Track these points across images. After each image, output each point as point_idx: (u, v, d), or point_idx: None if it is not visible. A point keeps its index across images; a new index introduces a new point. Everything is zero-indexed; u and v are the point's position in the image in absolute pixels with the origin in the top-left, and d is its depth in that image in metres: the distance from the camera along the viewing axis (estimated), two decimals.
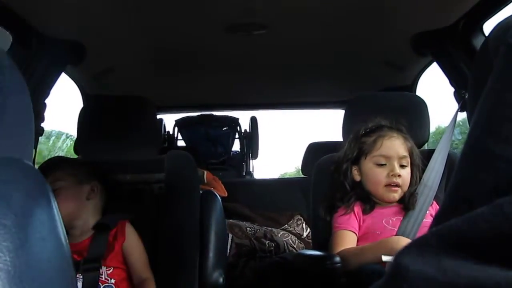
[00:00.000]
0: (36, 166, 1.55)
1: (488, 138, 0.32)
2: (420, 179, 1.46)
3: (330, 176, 1.56)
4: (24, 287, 0.37)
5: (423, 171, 1.52)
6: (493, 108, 0.33)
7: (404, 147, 1.44)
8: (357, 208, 1.44)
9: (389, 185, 1.41)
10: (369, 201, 1.44)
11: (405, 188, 1.43)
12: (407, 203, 1.41)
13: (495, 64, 0.36)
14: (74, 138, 1.79)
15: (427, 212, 1.41)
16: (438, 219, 0.34)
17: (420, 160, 1.49)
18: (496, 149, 0.31)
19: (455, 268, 0.26)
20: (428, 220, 1.40)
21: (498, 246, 0.25)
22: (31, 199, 0.43)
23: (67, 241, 0.47)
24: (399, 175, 1.41)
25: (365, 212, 1.43)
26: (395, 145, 1.43)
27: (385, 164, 1.42)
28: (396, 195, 1.42)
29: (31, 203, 0.43)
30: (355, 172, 1.49)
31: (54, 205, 0.47)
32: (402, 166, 1.43)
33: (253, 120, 3.65)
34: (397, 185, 1.41)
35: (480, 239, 0.26)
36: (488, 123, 0.32)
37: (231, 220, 2.48)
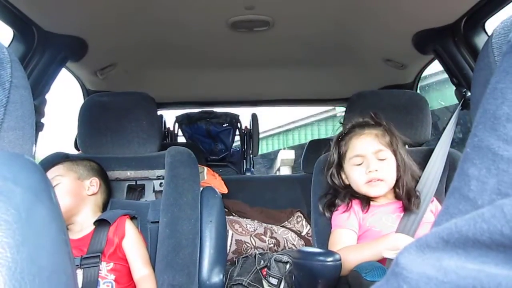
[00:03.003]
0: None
1: (491, 137, 0.32)
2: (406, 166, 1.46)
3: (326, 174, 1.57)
4: (25, 283, 0.37)
5: (423, 168, 1.52)
6: (496, 107, 0.33)
7: (377, 141, 1.44)
8: (357, 207, 1.44)
9: (369, 182, 1.41)
10: (364, 199, 1.45)
11: (391, 180, 1.43)
12: (407, 204, 1.41)
13: (498, 63, 0.36)
14: None
15: (427, 209, 1.41)
16: (439, 219, 0.34)
17: (404, 149, 1.48)
18: (498, 149, 0.31)
19: (456, 269, 0.26)
20: (428, 216, 1.40)
21: (498, 246, 0.25)
22: (32, 194, 0.43)
23: (68, 236, 0.47)
24: (376, 170, 1.40)
25: (363, 210, 1.43)
26: (366, 142, 1.44)
27: (362, 163, 1.43)
28: (379, 189, 1.42)
29: (32, 198, 0.43)
30: (343, 176, 1.50)
31: (55, 200, 0.47)
32: (381, 160, 1.42)
33: (254, 117, 3.66)
34: (378, 180, 1.41)
35: (480, 240, 0.26)
36: (491, 123, 0.32)
37: (231, 217, 2.49)
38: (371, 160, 1.41)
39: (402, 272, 0.28)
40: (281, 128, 9.80)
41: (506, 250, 0.25)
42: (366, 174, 1.41)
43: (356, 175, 1.43)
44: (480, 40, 1.65)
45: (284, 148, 9.28)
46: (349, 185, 1.48)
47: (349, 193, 1.46)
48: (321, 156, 1.66)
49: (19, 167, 0.45)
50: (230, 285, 2.11)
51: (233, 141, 3.70)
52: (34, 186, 0.45)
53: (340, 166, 1.50)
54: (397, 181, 1.44)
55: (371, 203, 1.44)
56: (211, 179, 2.48)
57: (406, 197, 1.42)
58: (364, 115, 1.53)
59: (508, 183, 0.29)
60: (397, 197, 1.46)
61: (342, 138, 1.51)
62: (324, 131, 8.55)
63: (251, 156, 3.82)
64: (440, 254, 0.27)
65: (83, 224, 1.40)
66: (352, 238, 1.40)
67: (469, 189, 0.31)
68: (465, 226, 0.27)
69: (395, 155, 1.44)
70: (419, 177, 1.50)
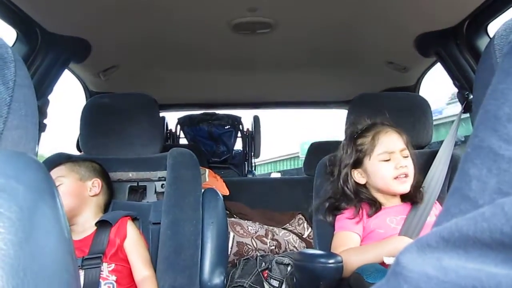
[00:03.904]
0: None
1: (492, 138, 0.32)
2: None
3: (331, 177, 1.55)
4: (27, 281, 0.37)
5: (426, 171, 1.52)
6: (497, 108, 0.33)
7: (401, 140, 1.45)
8: (364, 212, 1.43)
9: (397, 178, 1.41)
10: (374, 203, 1.43)
11: (412, 178, 1.43)
12: (414, 197, 1.43)
13: (499, 64, 0.36)
14: None
15: (431, 211, 1.41)
16: (440, 219, 0.34)
17: (414, 153, 1.49)
18: (499, 149, 0.31)
19: (456, 268, 0.26)
20: (431, 219, 1.40)
21: (498, 246, 0.25)
22: (36, 192, 0.44)
23: (71, 235, 0.48)
24: (406, 166, 1.41)
25: (370, 214, 1.42)
26: (394, 139, 1.44)
27: (389, 159, 1.42)
28: (407, 185, 1.42)
29: (35, 196, 0.43)
30: (358, 175, 1.47)
31: (58, 198, 0.47)
32: (404, 158, 1.43)
33: (256, 119, 3.66)
34: (406, 176, 1.41)
35: (480, 239, 0.26)
36: (492, 123, 0.32)
37: (232, 219, 2.48)
38: (399, 157, 1.42)
39: (403, 271, 0.28)
40: (273, 159, 15.90)
41: (506, 249, 0.25)
42: (395, 169, 1.40)
43: (384, 170, 1.41)
44: (483, 43, 1.64)
45: (274, 171, 14.41)
46: (363, 185, 1.47)
47: (360, 199, 1.45)
48: (323, 159, 1.65)
49: (22, 165, 0.45)
50: (231, 287, 2.11)
51: (235, 143, 3.70)
52: (37, 184, 0.45)
53: (354, 165, 1.48)
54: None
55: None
56: (213, 181, 2.48)
57: (414, 192, 1.43)
58: (371, 118, 1.52)
59: (509, 182, 0.29)
60: (404, 199, 1.45)
61: (360, 136, 1.48)
62: (289, 165, 15.34)
63: (252, 158, 3.81)
64: (440, 254, 0.27)
65: (85, 225, 1.40)
66: (356, 241, 1.39)
67: (470, 189, 0.31)
68: (466, 225, 0.27)
69: (411, 156, 1.46)
70: (421, 181, 1.50)
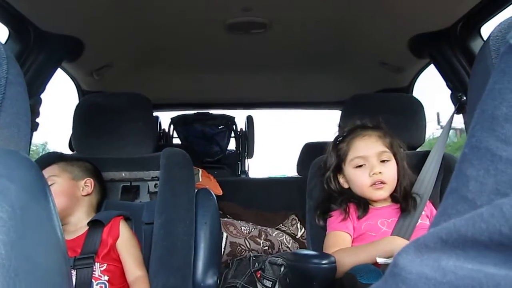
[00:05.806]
0: None
1: (489, 138, 0.31)
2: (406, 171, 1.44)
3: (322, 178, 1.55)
4: (19, 281, 0.37)
5: (418, 171, 1.52)
6: (494, 107, 0.33)
7: (380, 143, 1.41)
8: (352, 212, 1.42)
9: (373, 185, 1.38)
10: (362, 204, 1.42)
11: (393, 183, 1.40)
12: (404, 205, 1.40)
13: (496, 65, 0.36)
14: None
15: (423, 213, 1.41)
16: (437, 219, 0.33)
17: (402, 153, 1.46)
18: (497, 150, 0.31)
19: (454, 269, 0.26)
20: (423, 221, 1.40)
21: (497, 246, 0.25)
22: (28, 191, 0.43)
23: (63, 234, 0.47)
24: (380, 172, 1.38)
25: (359, 216, 1.41)
26: (369, 143, 1.41)
27: (364, 165, 1.40)
28: (383, 192, 1.39)
29: (27, 195, 0.43)
30: (342, 180, 1.47)
31: (51, 198, 0.47)
32: (383, 162, 1.40)
33: (249, 119, 3.65)
34: (382, 182, 1.38)
35: (479, 239, 0.26)
36: (489, 123, 0.32)
37: (225, 219, 2.48)
38: (374, 162, 1.38)
39: (401, 273, 0.28)
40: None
41: (505, 250, 0.25)
42: (370, 176, 1.38)
43: (359, 177, 1.40)
44: (476, 45, 1.65)
45: None
46: (348, 188, 1.46)
47: (346, 199, 1.44)
48: (316, 159, 1.65)
49: (15, 164, 0.44)
50: None
51: (228, 143, 3.69)
52: (30, 183, 0.44)
53: (338, 170, 1.47)
54: (396, 184, 1.42)
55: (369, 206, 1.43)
56: (206, 181, 2.48)
57: (404, 199, 1.40)
58: (362, 119, 1.52)
59: (506, 183, 0.29)
60: (394, 200, 1.45)
61: (341, 141, 1.48)
62: None
63: (246, 158, 3.81)
64: (438, 254, 0.27)
65: (77, 224, 1.39)
66: (347, 240, 1.39)
67: (468, 190, 0.31)
68: (464, 226, 0.27)
69: (395, 157, 1.42)
70: (414, 181, 1.50)
